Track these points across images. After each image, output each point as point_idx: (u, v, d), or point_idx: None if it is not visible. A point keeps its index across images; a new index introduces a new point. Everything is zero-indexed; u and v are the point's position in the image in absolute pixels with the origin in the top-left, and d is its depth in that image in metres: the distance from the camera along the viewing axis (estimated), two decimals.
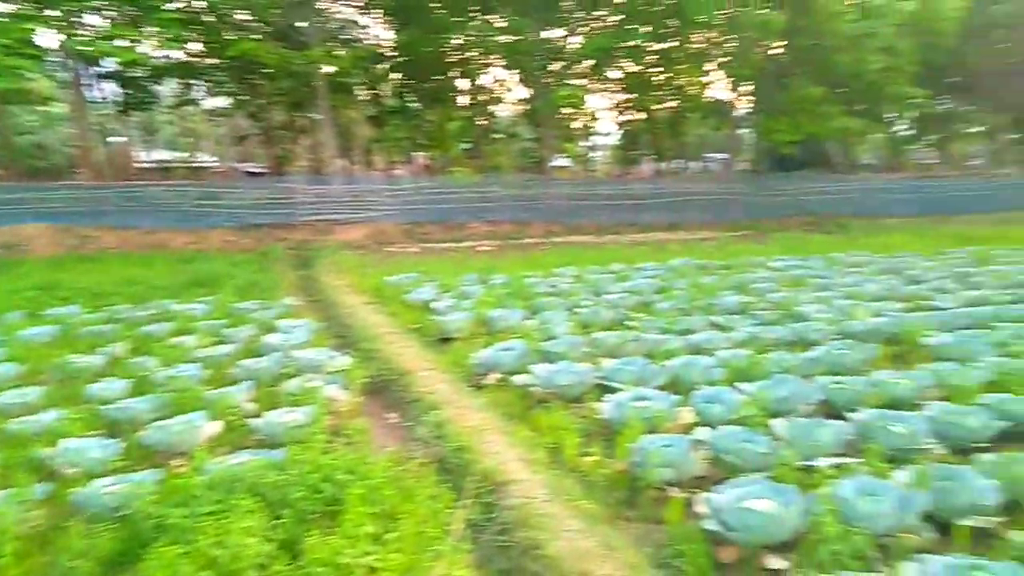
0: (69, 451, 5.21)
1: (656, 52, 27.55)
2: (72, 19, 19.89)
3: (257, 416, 5.95)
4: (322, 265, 15.03)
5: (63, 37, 19.98)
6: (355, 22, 29.61)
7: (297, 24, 22.62)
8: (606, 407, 5.65)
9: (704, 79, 29.85)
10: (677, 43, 26.99)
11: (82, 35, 19.98)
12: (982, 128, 39.29)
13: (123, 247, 17.62)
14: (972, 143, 44.91)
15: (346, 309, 10.61)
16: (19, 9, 19.67)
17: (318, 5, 23.75)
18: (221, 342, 8.39)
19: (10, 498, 4.38)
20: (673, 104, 32.42)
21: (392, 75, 29.32)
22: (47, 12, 19.30)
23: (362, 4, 27.41)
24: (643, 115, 33.54)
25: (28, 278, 12.90)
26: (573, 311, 9.67)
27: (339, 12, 28.30)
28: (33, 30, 18.80)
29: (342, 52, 25.43)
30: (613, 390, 6.10)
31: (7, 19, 18.70)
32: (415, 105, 31.66)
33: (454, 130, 33.12)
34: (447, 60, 27.84)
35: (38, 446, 5.42)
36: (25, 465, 5.14)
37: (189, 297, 11.10)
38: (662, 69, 28.82)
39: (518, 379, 6.72)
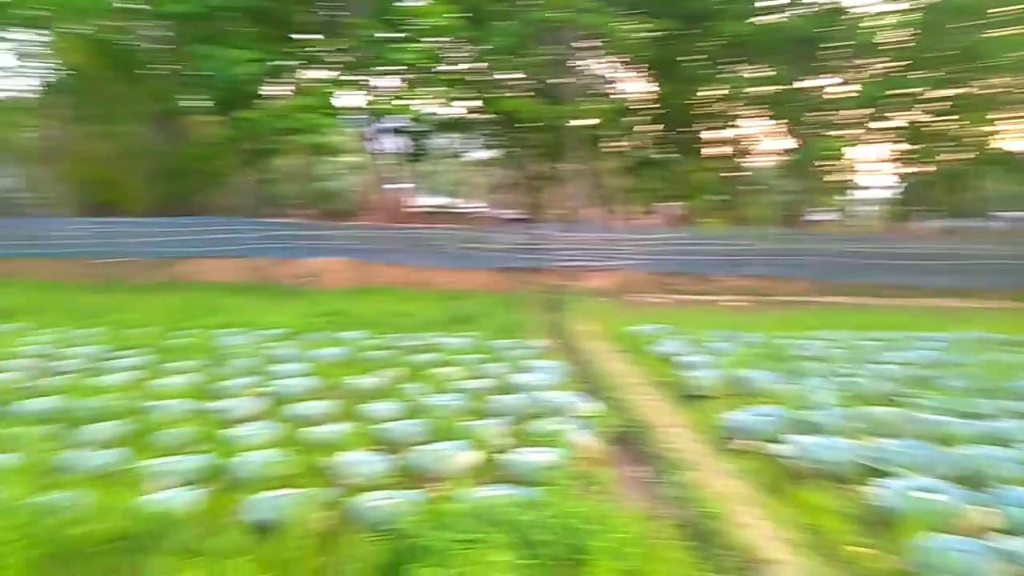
0: (348, 463, 5.84)
1: (941, 99, 24.90)
2: (367, 83, 22.89)
3: (509, 452, 6.21)
4: (571, 310, 15.46)
5: (363, 98, 23.11)
6: (604, 77, 30.59)
7: (555, 81, 23.92)
8: (880, 493, 5.05)
9: (997, 128, 26.33)
10: (966, 89, 24.17)
11: (377, 96, 22.90)
12: None
13: (398, 282, 19.66)
14: None
15: (592, 355, 10.76)
16: (329, 77, 23.16)
17: (574, 64, 24.91)
18: (478, 376, 8.92)
19: (301, 499, 5.00)
20: (960, 156, 28.91)
21: (645, 127, 29.72)
22: (345, 77, 22.48)
23: (617, 60, 28.25)
24: (923, 167, 30.29)
25: (324, 304, 14.91)
26: (837, 379, 8.86)
27: (593, 68, 29.43)
28: (332, 93, 22.00)
29: (598, 105, 26.31)
30: (887, 474, 5.44)
31: (316, 84, 22.13)
32: (667, 156, 31.69)
33: (706, 181, 32.53)
34: (702, 111, 27.63)
35: (324, 455, 6.14)
36: (313, 471, 5.84)
37: (452, 331, 12.01)
38: (947, 117, 25.92)
39: (773, 448, 6.28)
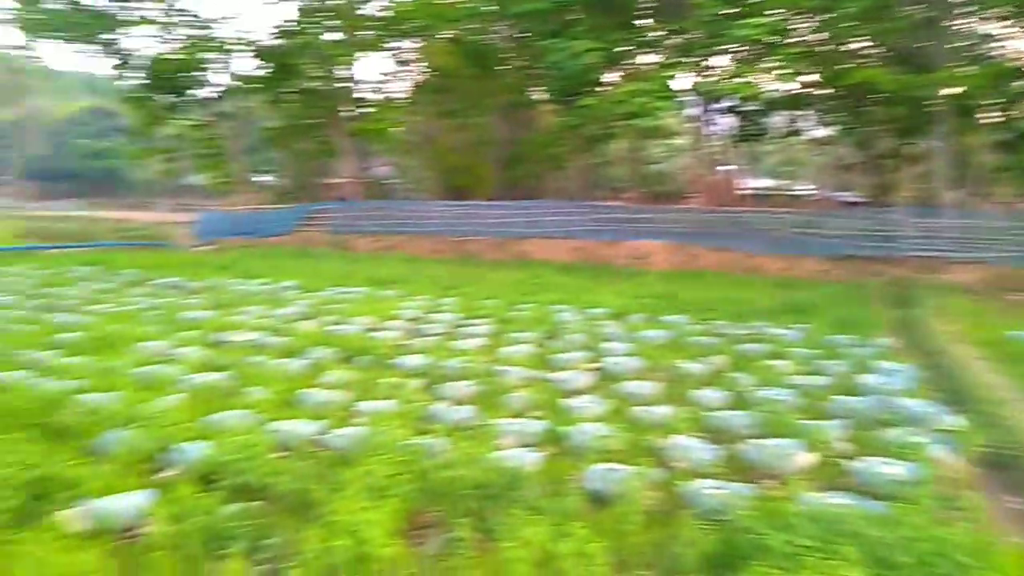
0: (678, 447, 5.86)
1: None
2: (702, 63, 22.41)
3: (851, 458, 5.70)
4: (925, 307, 13.56)
5: (694, 79, 22.72)
6: (989, 35, 25.81)
7: (921, 45, 20.89)
8: None
9: None
10: None
11: (709, 77, 22.34)
12: None
13: (723, 267, 19.13)
14: None
15: (954, 360, 9.33)
16: (664, 60, 23.16)
17: (948, 24, 21.45)
18: (813, 373, 8.32)
19: (633, 476, 5.14)
20: None
21: None
22: (682, 60, 22.25)
23: (1002, 14, 23.69)
24: None
25: (648, 287, 15.13)
26: None
27: (971, 27, 25.05)
28: (672, 76, 21.90)
29: (974, 70, 22.49)
30: None
31: (653, 68, 22.28)
32: None
33: None
34: None
35: (653, 435, 6.24)
36: (642, 449, 5.97)
37: (782, 322, 11.34)
38: None
39: None
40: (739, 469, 5.64)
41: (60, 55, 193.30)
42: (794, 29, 21.11)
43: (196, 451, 5.59)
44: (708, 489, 4.98)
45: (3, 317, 11.30)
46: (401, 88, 32.27)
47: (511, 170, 28.13)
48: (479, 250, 22.50)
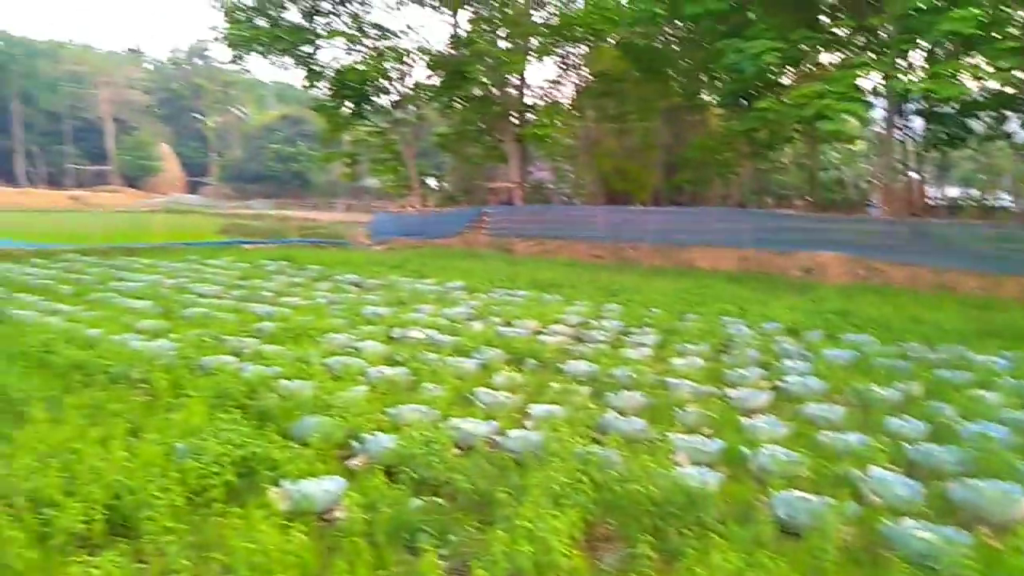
0: (874, 480, 5.39)
1: None
2: (894, 61, 20.68)
3: None
4: None
5: (882, 79, 21.01)
6: None
7: None
8: None
9: None
10: None
11: (901, 76, 20.57)
12: None
13: (909, 283, 17.54)
14: None
15: None
16: (846, 59, 21.63)
17: None
18: None
19: (826, 507, 4.77)
20: None
21: None
22: (871, 58, 20.65)
23: None
24: None
25: (824, 302, 14.15)
26: None
27: None
28: (860, 76, 20.37)
29: None
30: None
31: (840, 69, 20.84)
32: None
33: None
34: None
35: (841, 464, 5.79)
36: (830, 478, 5.55)
37: (984, 348, 10.19)
38: None
39: None
40: (947, 511, 5.09)
41: (258, 67, 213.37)
42: (1007, 19, 18.94)
43: (381, 442, 5.89)
44: (914, 530, 4.53)
45: (212, 305, 12.58)
46: (566, 93, 32.55)
47: (674, 175, 27.50)
48: (639, 256, 22.17)
